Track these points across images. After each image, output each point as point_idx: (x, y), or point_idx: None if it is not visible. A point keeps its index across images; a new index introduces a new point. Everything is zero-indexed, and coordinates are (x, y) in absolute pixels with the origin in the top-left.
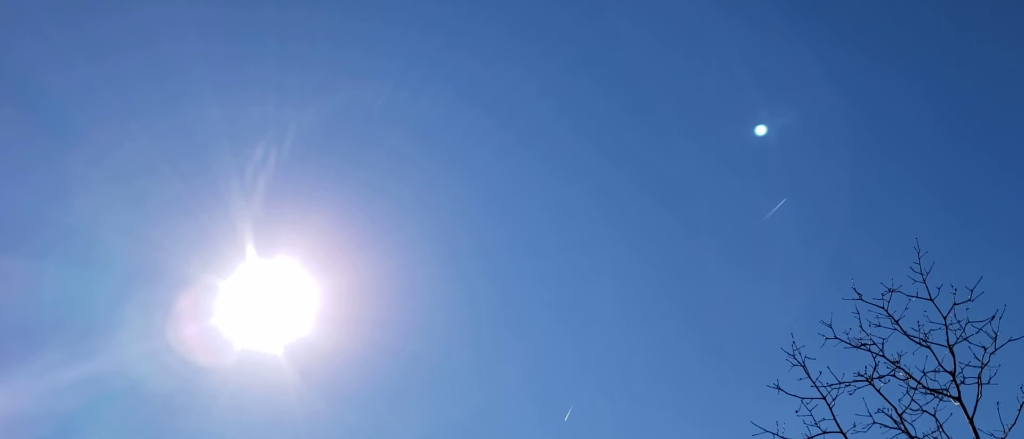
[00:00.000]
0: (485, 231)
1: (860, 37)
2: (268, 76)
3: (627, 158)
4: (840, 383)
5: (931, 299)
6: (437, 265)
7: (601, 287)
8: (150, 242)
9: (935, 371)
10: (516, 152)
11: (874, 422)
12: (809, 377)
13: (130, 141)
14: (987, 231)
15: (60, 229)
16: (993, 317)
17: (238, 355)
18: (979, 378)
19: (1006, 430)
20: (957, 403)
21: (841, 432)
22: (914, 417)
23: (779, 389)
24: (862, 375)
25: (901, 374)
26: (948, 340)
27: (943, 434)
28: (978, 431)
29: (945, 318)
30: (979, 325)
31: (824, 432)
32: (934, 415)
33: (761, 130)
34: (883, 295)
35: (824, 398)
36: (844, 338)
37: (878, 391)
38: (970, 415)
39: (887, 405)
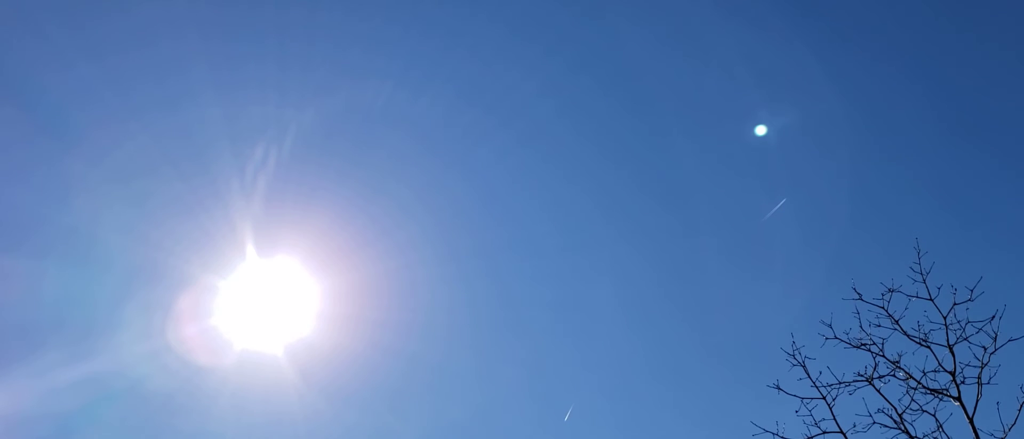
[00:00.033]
0: (485, 231)
1: (860, 37)
2: (268, 76)
3: (627, 158)
4: (840, 383)
5: (931, 299)
6: (437, 265)
7: (601, 287)
8: (150, 242)
9: (935, 371)
10: (516, 152)
11: (874, 422)
12: (809, 377)
13: (130, 141)
14: (987, 231)
15: (60, 229)
16: (993, 317)
17: (238, 355)
18: (979, 378)
19: (1006, 430)
20: (957, 403)
21: (841, 432)
22: (914, 417)
23: (779, 389)
24: (862, 375)
25: (901, 374)
26: (948, 340)
27: (943, 434)
28: (978, 431)
29: (945, 318)
30: (979, 325)
31: (824, 432)
32: (934, 415)
33: (761, 130)
34: (883, 295)
35: (824, 398)
36: (844, 338)
37: (878, 391)
38: (970, 415)
39: (887, 405)
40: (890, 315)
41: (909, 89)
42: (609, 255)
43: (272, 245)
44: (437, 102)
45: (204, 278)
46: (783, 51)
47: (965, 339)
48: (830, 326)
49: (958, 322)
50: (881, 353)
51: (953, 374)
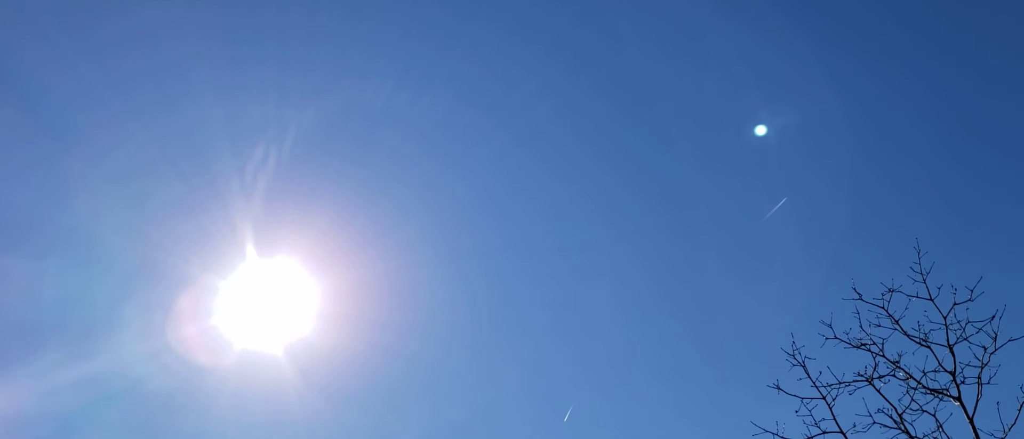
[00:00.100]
0: (485, 231)
1: (860, 37)
2: (268, 76)
3: (627, 158)
4: (840, 383)
5: (931, 299)
6: (437, 265)
7: (601, 287)
8: (150, 242)
9: (935, 371)
10: (516, 152)
11: (874, 422)
12: (809, 377)
13: (130, 141)
14: (987, 231)
15: (60, 229)
16: (993, 317)
17: (238, 355)
18: (979, 378)
19: (1006, 430)
20: (957, 403)
21: (841, 432)
22: (914, 417)
23: (779, 389)
24: (862, 375)
25: (901, 374)
26: (948, 340)
27: (943, 434)
28: (978, 431)
29: (945, 318)
30: (979, 325)
31: (824, 432)
32: (934, 415)
33: (761, 130)
34: (883, 295)
35: (824, 398)
36: (844, 338)
37: (878, 391)
38: (970, 415)
39: (887, 405)
40: (890, 315)
41: (909, 89)
42: (609, 255)
43: (272, 245)
44: (437, 102)
45: (204, 278)
46: (783, 51)
47: (965, 339)
48: (830, 326)
49: (958, 322)
50: (881, 353)
51: (953, 374)
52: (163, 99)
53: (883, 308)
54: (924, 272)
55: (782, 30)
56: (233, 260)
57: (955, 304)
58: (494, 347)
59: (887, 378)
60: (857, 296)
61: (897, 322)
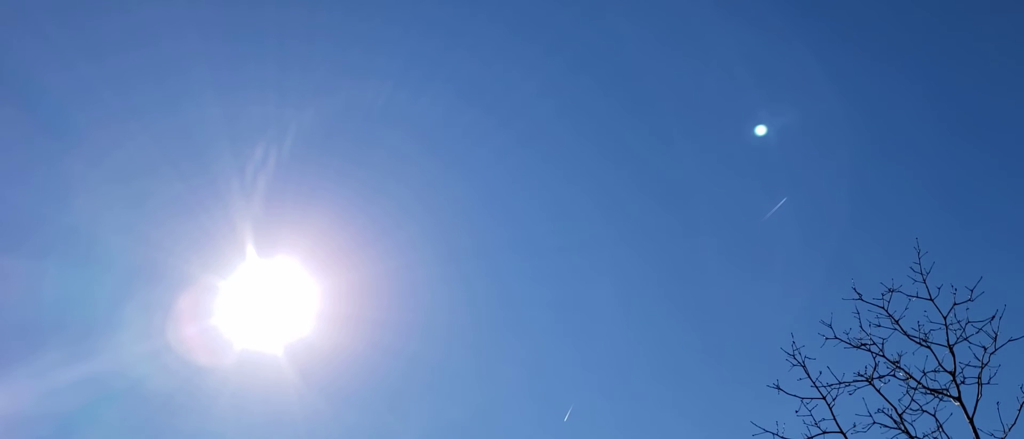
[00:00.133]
0: (485, 231)
1: (860, 37)
2: (268, 76)
3: (627, 158)
4: (840, 383)
5: (931, 299)
6: (437, 265)
7: (601, 287)
8: (150, 242)
9: (935, 371)
10: (516, 152)
11: (874, 422)
12: (809, 377)
13: (130, 141)
14: (987, 231)
15: (60, 229)
16: (993, 317)
17: (238, 355)
18: (979, 378)
19: (1006, 430)
20: (957, 403)
21: (841, 432)
22: (914, 417)
23: (779, 389)
24: (862, 375)
25: (901, 374)
26: (948, 340)
27: (943, 434)
28: (978, 431)
29: (945, 318)
30: (979, 325)
31: (824, 432)
32: (934, 415)
33: (761, 130)
34: (883, 295)
35: (824, 398)
36: (844, 338)
37: (878, 391)
38: (970, 415)
39: (887, 405)
40: (890, 315)
41: (909, 89)
42: (609, 255)
43: (272, 245)
44: (437, 102)
45: (204, 278)
46: (783, 51)
47: (965, 339)
48: (830, 326)
49: (958, 322)
50: (881, 353)
51: (953, 374)
52: (163, 99)
53: (883, 308)
54: (924, 272)
55: (782, 30)
56: (233, 260)
57: (955, 304)
58: (494, 347)
59: (887, 378)
60: (857, 296)
61: (897, 322)
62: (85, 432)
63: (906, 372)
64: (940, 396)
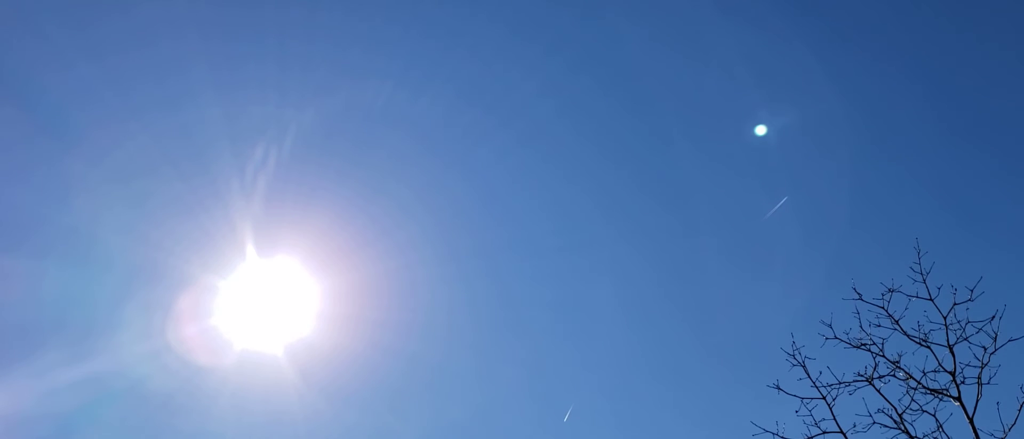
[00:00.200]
0: (485, 231)
1: (860, 37)
2: (268, 76)
3: (627, 158)
4: (840, 383)
5: (931, 299)
6: (437, 265)
7: (601, 287)
8: (150, 242)
9: (935, 371)
10: (516, 152)
11: (874, 422)
12: (809, 377)
13: (130, 141)
14: (987, 231)
15: (60, 229)
16: (993, 317)
17: (238, 355)
18: (979, 378)
19: (1006, 430)
20: (957, 403)
21: (841, 432)
22: (914, 417)
23: (779, 389)
24: (862, 375)
25: (901, 374)
26: (948, 340)
27: (943, 434)
28: (978, 431)
29: (945, 318)
30: (979, 325)
31: (824, 432)
32: (934, 415)
33: (761, 130)
34: (883, 295)
35: (824, 398)
36: (844, 338)
37: (878, 391)
38: (970, 415)
39: (887, 405)
40: (890, 315)
41: (909, 89)
42: (609, 255)
43: (272, 245)
44: (437, 102)
45: (204, 278)
46: (783, 51)
47: (965, 339)
48: (830, 326)
49: (958, 322)
50: (881, 353)
51: (953, 374)
52: (163, 99)
53: (883, 308)
54: (924, 272)
55: (782, 30)
56: (233, 260)
57: (955, 304)
58: (494, 347)
59: (887, 378)
60: (857, 296)
61: (897, 322)
62: (85, 432)
63: (906, 372)
64: (940, 396)
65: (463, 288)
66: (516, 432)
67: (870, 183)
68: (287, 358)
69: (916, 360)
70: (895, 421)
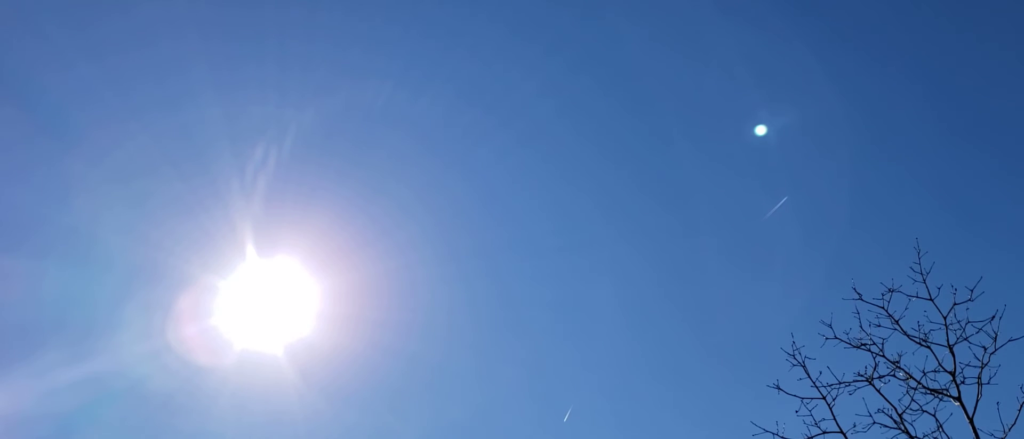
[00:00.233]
0: (485, 231)
1: (860, 37)
2: (268, 76)
3: (627, 158)
4: (840, 383)
5: (931, 299)
6: (437, 265)
7: (601, 287)
8: (150, 242)
9: (935, 371)
10: (516, 152)
11: (874, 422)
12: (809, 377)
13: (130, 141)
14: (987, 231)
15: (60, 229)
16: (993, 317)
17: (238, 355)
18: (979, 378)
19: (1006, 430)
20: (957, 403)
21: (841, 432)
22: (914, 417)
23: (779, 389)
24: (862, 375)
25: (901, 374)
26: (948, 340)
27: (943, 434)
28: (978, 431)
29: (945, 318)
30: (979, 325)
31: (824, 432)
32: (934, 415)
33: (761, 130)
34: (883, 295)
35: (824, 398)
36: (844, 338)
37: (878, 391)
38: (970, 415)
39: (887, 405)
40: (890, 315)
41: (909, 89)
42: (609, 255)
43: (272, 245)
44: (437, 102)
45: (204, 278)
46: (783, 51)
47: (965, 339)
48: (830, 326)
49: (958, 322)
50: (881, 353)
51: (953, 374)
52: (163, 99)
53: (883, 308)
54: (924, 272)
55: (782, 30)
56: (233, 260)
57: (955, 304)
58: (494, 347)
59: (887, 378)
60: (857, 296)
61: (897, 322)
62: (85, 432)
63: (906, 372)
64: (940, 396)
65: (463, 288)
66: (516, 432)
67: (870, 183)
68: (287, 358)
69: (916, 360)
70: (895, 421)
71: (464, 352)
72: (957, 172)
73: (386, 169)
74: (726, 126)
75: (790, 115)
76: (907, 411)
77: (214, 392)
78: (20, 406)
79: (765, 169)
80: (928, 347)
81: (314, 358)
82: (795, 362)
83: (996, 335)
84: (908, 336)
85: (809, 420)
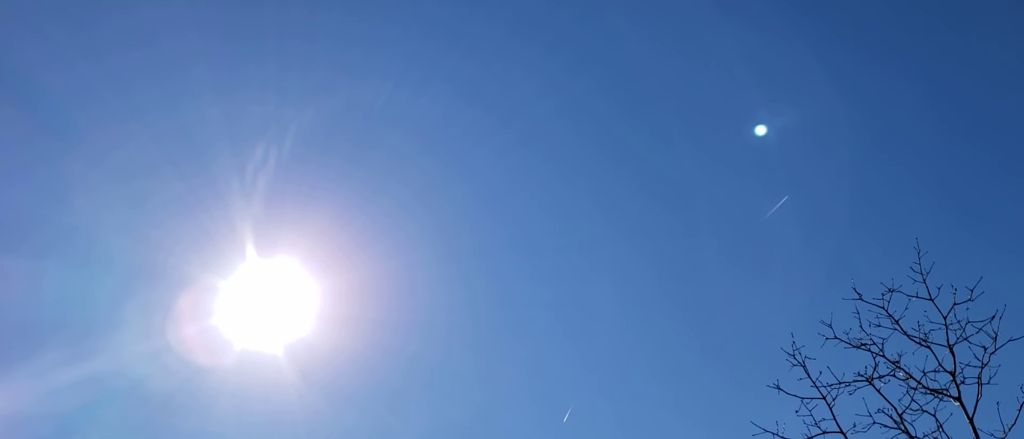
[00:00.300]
0: (485, 231)
1: (860, 37)
2: (268, 76)
3: (627, 158)
4: (840, 383)
5: (931, 299)
6: (437, 265)
7: (601, 287)
8: (150, 242)
9: (935, 371)
10: (516, 152)
11: (874, 422)
12: (809, 377)
13: (130, 141)
14: (987, 231)
15: (60, 229)
16: (993, 317)
17: (238, 355)
18: (979, 378)
19: (1006, 430)
20: (957, 403)
21: (841, 432)
22: (914, 417)
23: (779, 389)
24: (862, 375)
25: (901, 374)
26: (948, 340)
27: (943, 434)
28: (978, 431)
29: (945, 318)
30: (979, 325)
31: (824, 432)
32: (934, 415)
33: (761, 130)
34: (883, 295)
35: (824, 398)
36: (844, 338)
37: (878, 391)
38: (970, 415)
39: (887, 405)
40: (890, 315)
41: (909, 89)
42: (609, 255)
43: (272, 245)
44: (437, 102)
45: (204, 278)
46: (783, 51)
47: (965, 339)
48: (830, 326)
49: (958, 322)
50: (881, 353)
51: (953, 374)
52: (163, 99)
53: (883, 308)
54: (924, 272)
55: (782, 30)
56: (233, 260)
57: (955, 304)
58: (494, 347)
59: (887, 378)
60: (857, 296)
61: (897, 322)
62: (85, 432)
63: (906, 372)
64: (940, 396)
65: (463, 288)
66: (516, 432)
67: (870, 183)
68: (287, 358)
69: (916, 360)
70: (895, 421)
71: (464, 352)
72: (957, 172)
73: (386, 169)
74: (726, 126)
75: (790, 115)
76: (907, 411)
77: (214, 392)
78: (20, 406)
79: (765, 169)
80: (928, 347)
81: (314, 358)
82: (795, 362)
83: (996, 335)
84: (908, 336)
85: (809, 420)
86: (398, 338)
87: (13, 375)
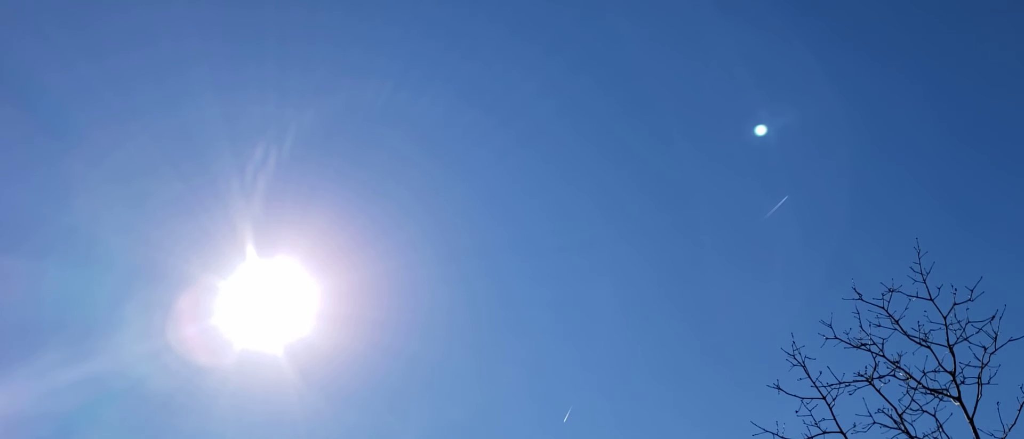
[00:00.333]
0: (485, 231)
1: (860, 37)
2: (268, 76)
3: (627, 158)
4: (840, 383)
5: (931, 299)
6: (437, 265)
7: (601, 287)
8: (150, 242)
9: (935, 371)
10: (516, 152)
11: (874, 422)
12: (809, 377)
13: (130, 141)
14: (987, 231)
15: (60, 229)
16: (993, 317)
17: (238, 355)
18: (979, 378)
19: (1006, 430)
20: (957, 403)
21: (841, 432)
22: (914, 417)
23: (779, 389)
24: (862, 375)
25: (901, 374)
26: (948, 340)
27: (943, 434)
28: (978, 431)
29: (945, 318)
30: (979, 325)
31: (824, 432)
32: (934, 415)
33: (761, 130)
34: (883, 295)
35: (824, 398)
36: (844, 338)
37: (878, 391)
38: (970, 415)
39: (887, 405)
40: (890, 315)
41: (909, 89)
42: (609, 255)
43: (272, 245)
44: (437, 102)
45: (204, 278)
46: (783, 51)
47: (965, 339)
48: (830, 326)
49: (958, 322)
50: (881, 353)
51: (953, 374)
52: (163, 99)
53: (883, 308)
54: (924, 272)
55: (782, 30)
56: (233, 260)
57: (955, 304)
58: (494, 347)
59: (887, 378)
60: (857, 296)
61: (897, 322)
62: (85, 432)
63: (906, 372)
64: (940, 396)
65: (463, 288)
66: (516, 432)
67: (870, 183)
68: (287, 358)
69: (916, 360)
70: (895, 421)
71: (464, 352)
72: (957, 172)
73: (386, 169)
74: (726, 126)
75: (790, 115)
76: (907, 411)
77: (214, 392)
78: (20, 406)
79: (765, 169)
80: (928, 347)
81: (314, 358)
82: (795, 362)
83: (996, 335)
84: (908, 336)
85: (809, 420)
86: (398, 338)
87: (13, 375)
